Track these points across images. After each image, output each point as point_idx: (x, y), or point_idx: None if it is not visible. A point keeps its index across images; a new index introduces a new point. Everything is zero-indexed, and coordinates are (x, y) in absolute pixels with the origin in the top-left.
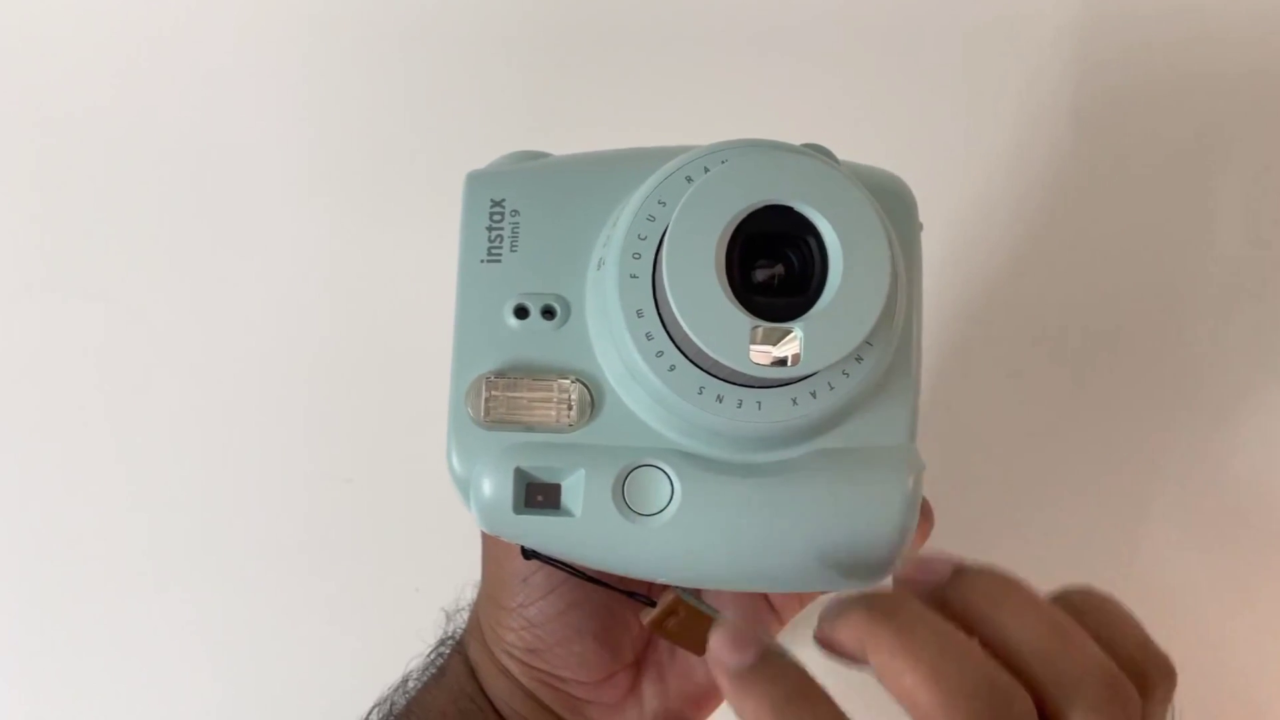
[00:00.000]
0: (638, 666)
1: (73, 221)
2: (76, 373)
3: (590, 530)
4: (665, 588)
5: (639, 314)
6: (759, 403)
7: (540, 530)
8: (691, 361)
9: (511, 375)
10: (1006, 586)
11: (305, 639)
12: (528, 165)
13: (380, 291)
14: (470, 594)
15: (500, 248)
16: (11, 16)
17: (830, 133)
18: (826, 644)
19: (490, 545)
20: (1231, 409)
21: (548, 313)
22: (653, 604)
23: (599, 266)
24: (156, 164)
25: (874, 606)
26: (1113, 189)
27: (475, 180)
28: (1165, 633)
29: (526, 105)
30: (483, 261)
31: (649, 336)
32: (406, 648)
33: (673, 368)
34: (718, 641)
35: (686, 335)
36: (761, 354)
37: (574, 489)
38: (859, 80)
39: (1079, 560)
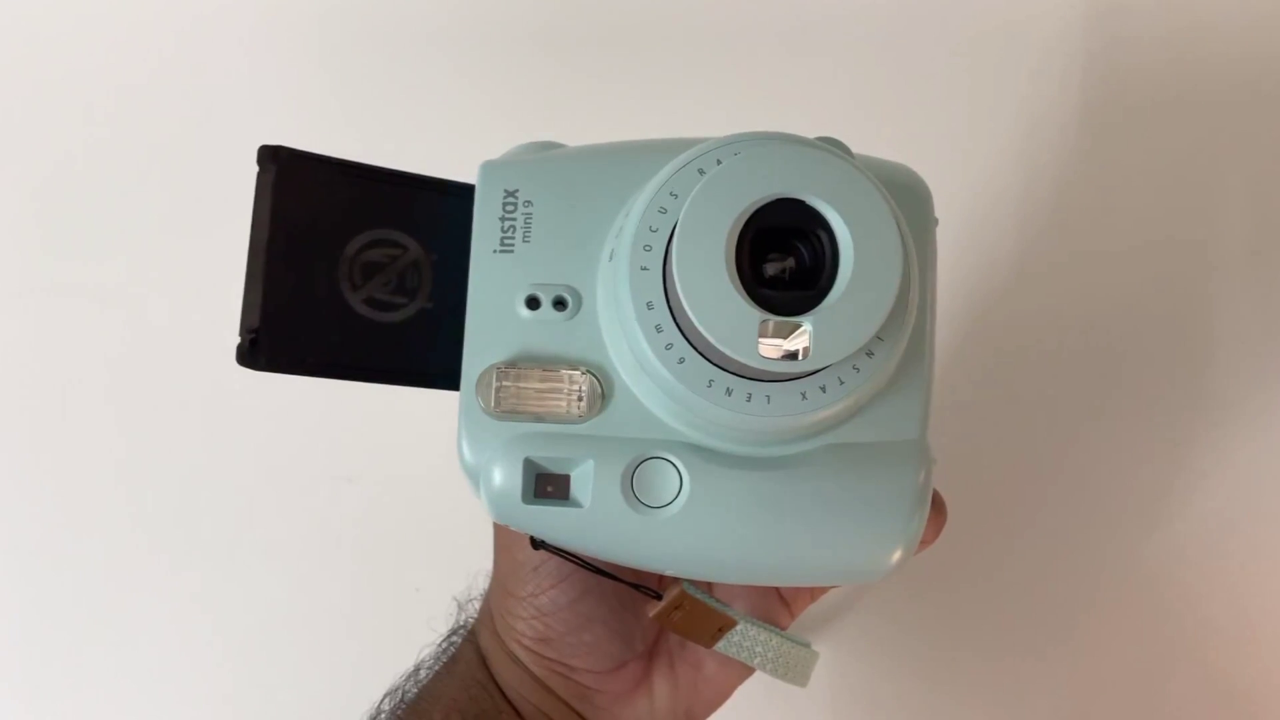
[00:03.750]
0: (649, 657)
1: (74, 222)
2: (76, 373)
3: (598, 521)
4: (674, 581)
5: (649, 306)
6: (768, 397)
7: (549, 520)
8: (701, 354)
9: (522, 365)
10: None
11: (305, 638)
12: (541, 155)
13: None
14: (483, 583)
15: (513, 238)
16: (13, 18)
17: (844, 127)
18: None
19: (502, 534)
20: (1239, 407)
21: (559, 304)
22: (659, 597)
23: (610, 258)
24: (159, 165)
25: None
26: (1118, 186)
27: (489, 170)
28: (1177, 634)
29: (541, 96)
30: (495, 252)
31: (659, 329)
32: (406, 647)
33: (682, 360)
34: None
35: (695, 328)
36: (770, 348)
37: (583, 480)
38: (872, 75)
39: (1089, 556)
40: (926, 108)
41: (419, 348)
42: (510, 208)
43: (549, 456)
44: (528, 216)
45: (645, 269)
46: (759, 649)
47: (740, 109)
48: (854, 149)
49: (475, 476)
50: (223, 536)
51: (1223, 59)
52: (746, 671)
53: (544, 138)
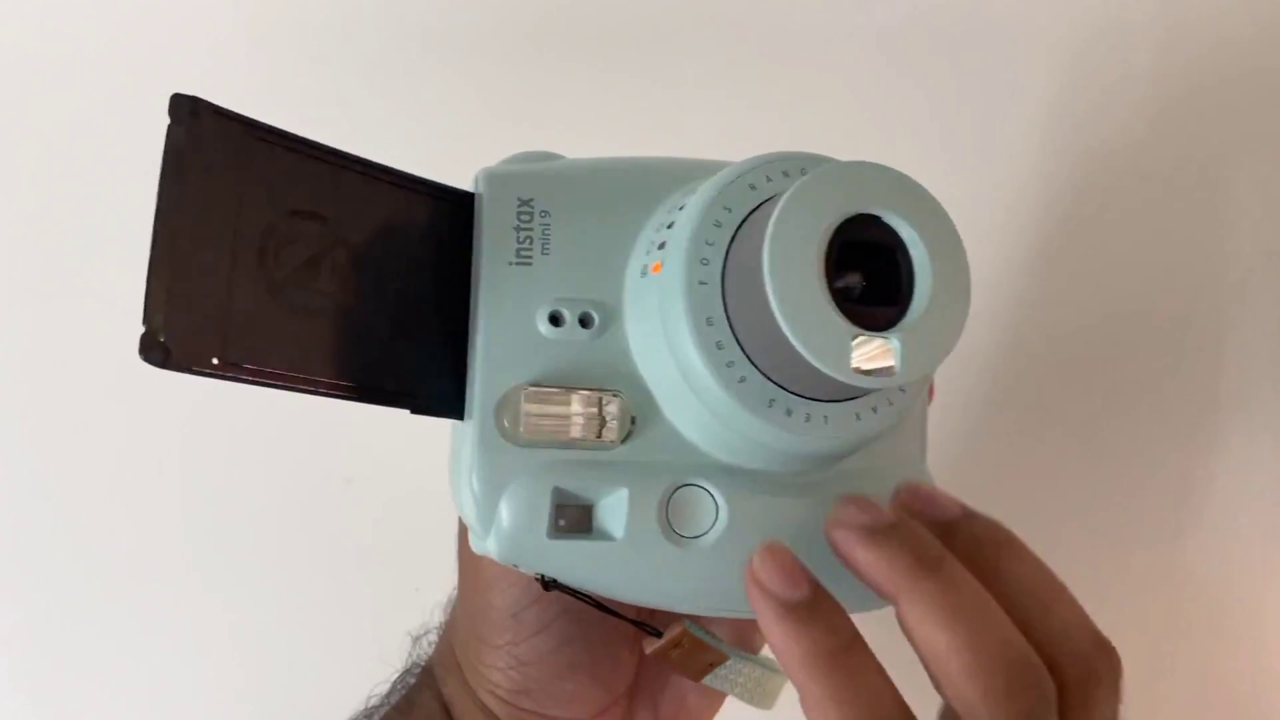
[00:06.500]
0: (630, 696)
1: (73, 221)
2: (75, 373)
3: (632, 555)
4: (675, 618)
5: (709, 322)
6: (825, 417)
7: (574, 556)
8: (763, 373)
9: (547, 387)
10: (1011, 541)
11: (305, 639)
12: (549, 165)
13: None
14: (439, 617)
15: (530, 250)
16: (12, 17)
17: (848, 130)
18: (844, 554)
19: (473, 577)
20: (1253, 410)
21: (584, 321)
22: (659, 634)
23: (644, 274)
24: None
25: (916, 553)
26: (1130, 189)
27: (496, 178)
28: (1182, 637)
29: (534, 99)
30: (511, 264)
31: (719, 345)
32: (404, 647)
33: (743, 379)
34: (765, 568)
35: (771, 344)
36: (865, 361)
37: (613, 510)
38: (879, 80)
39: (1094, 562)
40: (935, 111)
41: (344, 354)
42: (526, 217)
43: (579, 485)
44: (545, 227)
45: (704, 283)
46: (740, 679)
47: (746, 115)
48: (859, 154)
49: (482, 511)
50: (221, 536)
51: (1234, 59)
52: (722, 698)
53: (537, 144)
